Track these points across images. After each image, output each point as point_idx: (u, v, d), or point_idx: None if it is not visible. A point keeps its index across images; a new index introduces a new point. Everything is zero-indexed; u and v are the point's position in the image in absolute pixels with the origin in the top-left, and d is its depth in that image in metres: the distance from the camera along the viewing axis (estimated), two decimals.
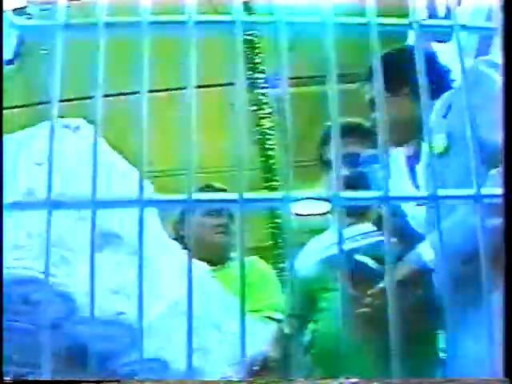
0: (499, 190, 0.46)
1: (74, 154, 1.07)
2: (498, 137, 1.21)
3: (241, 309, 0.52)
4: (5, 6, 0.59)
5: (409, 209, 1.82)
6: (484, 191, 0.46)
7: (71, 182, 0.97)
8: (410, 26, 0.52)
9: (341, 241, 0.53)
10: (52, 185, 0.53)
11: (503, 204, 0.46)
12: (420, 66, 0.53)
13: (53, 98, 0.52)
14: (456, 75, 1.73)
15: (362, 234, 1.92)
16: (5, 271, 0.64)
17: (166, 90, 4.33)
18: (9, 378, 0.97)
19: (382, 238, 1.79)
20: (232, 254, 2.39)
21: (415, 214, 1.83)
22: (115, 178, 1.16)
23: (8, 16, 0.55)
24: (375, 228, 1.89)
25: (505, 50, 0.53)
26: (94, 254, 0.48)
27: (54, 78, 0.52)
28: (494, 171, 1.29)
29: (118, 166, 1.24)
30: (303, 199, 0.48)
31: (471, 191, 0.45)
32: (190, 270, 0.49)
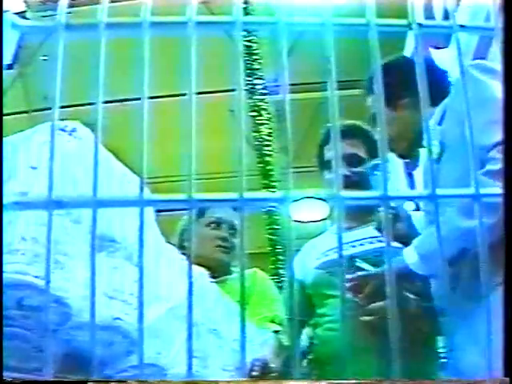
0: (497, 190, 0.46)
1: (71, 157, 1.07)
2: (486, 140, 1.22)
3: (241, 314, 0.51)
4: (5, 8, 0.59)
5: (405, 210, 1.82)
6: (482, 191, 0.46)
7: (69, 185, 0.97)
8: (409, 26, 0.52)
9: (340, 243, 0.53)
10: (50, 187, 0.52)
11: (503, 204, 0.46)
12: (420, 68, 0.53)
13: (54, 102, 0.52)
14: (453, 80, 1.73)
15: (362, 239, 1.92)
16: None
17: (167, 96, 4.34)
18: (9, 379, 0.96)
19: (382, 244, 1.78)
20: (233, 268, 2.36)
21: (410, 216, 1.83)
22: (114, 182, 1.16)
23: (9, 17, 0.55)
24: (376, 234, 1.89)
25: (505, 50, 0.53)
26: (94, 255, 0.48)
27: (55, 80, 0.52)
28: (480, 172, 1.28)
29: (117, 171, 1.24)
30: (302, 198, 0.48)
31: (470, 190, 0.45)
32: (190, 278, 0.49)
